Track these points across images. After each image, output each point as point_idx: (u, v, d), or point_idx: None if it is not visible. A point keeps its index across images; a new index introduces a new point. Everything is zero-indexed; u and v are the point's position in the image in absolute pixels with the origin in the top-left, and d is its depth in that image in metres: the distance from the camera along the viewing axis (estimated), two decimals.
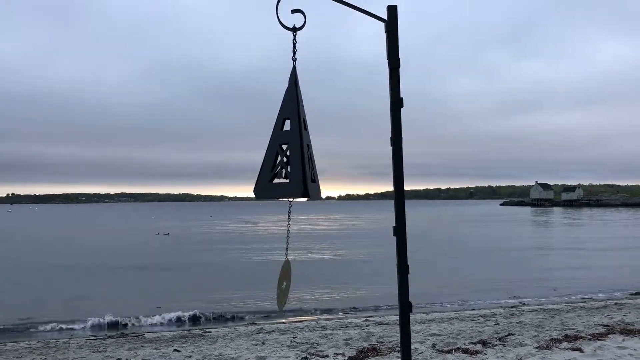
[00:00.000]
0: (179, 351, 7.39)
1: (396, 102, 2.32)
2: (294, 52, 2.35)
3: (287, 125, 2.39)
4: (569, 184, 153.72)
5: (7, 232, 47.37)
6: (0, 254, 26.35)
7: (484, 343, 6.91)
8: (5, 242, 34.92)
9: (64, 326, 11.06)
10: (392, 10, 2.38)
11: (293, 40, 2.35)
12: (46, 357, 7.32)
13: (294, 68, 2.38)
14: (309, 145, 2.39)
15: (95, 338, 9.31)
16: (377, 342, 7.41)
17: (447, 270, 19.34)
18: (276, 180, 2.36)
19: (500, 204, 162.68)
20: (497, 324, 8.64)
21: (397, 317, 8.71)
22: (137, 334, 9.58)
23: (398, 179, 2.35)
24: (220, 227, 52.83)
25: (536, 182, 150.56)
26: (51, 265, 21.63)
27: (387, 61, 2.40)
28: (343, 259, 23.23)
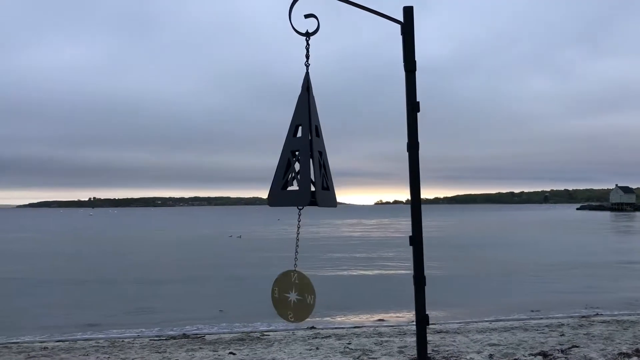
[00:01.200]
0: (234, 354, 7.50)
1: (412, 106, 2.24)
2: (307, 58, 2.31)
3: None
4: None
5: (90, 234, 49.91)
6: (84, 255, 27.77)
7: (544, 355, 6.59)
8: (90, 243, 36.80)
9: (133, 327, 11.40)
10: (408, 11, 2.29)
11: (306, 46, 2.31)
12: (110, 356, 7.61)
13: (307, 74, 2.34)
14: (321, 152, 2.34)
15: (159, 339, 9.58)
16: (432, 350, 7.22)
17: (519, 278, 18.57)
18: (289, 188, 2.33)
19: (577, 209, 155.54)
20: (563, 335, 8.22)
21: (459, 325, 8.45)
22: (198, 336, 9.79)
23: (414, 186, 2.26)
24: (287, 230, 53.42)
25: (616, 185, 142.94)
26: (130, 264, 22.58)
27: (402, 64, 2.31)
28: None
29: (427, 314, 2.25)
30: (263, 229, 55.86)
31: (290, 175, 2.30)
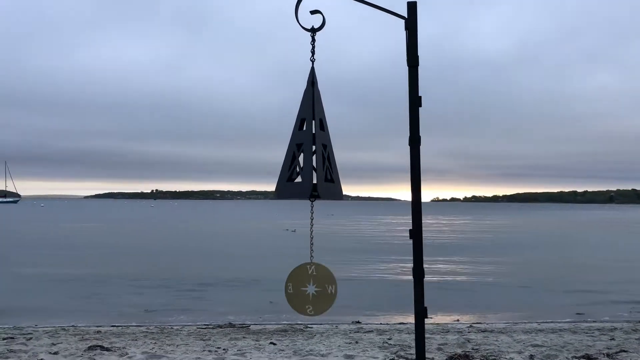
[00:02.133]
0: (274, 344, 7.66)
1: (414, 101, 2.25)
2: (313, 53, 2.36)
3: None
4: None
5: (154, 225, 51.64)
6: (147, 246, 28.80)
7: (588, 358, 6.41)
8: (153, 234, 38.11)
9: (187, 315, 11.71)
10: (412, 6, 2.30)
11: (311, 41, 2.36)
12: (156, 341, 7.92)
13: (312, 69, 2.39)
14: (325, 145, 2.39)
15: (205, 327, 9.86)
16: (472, 349, 7.15)
17: (583, 282, 17.90)
18: (297, 180, 2.39)
19: None
20: (613, 339, 7.93)
21: (505, 325, 8.30)
22: (244, 325, 10.02)
23: (415, 180, 2.27)
24: (340, 226, 53.55)
25: None
26: (189, 255, 23.29)
27: (405, 59, 2.32)
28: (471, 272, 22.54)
29: (425, 307, 2.27)
30: (316, 224, 56.19)
31: (294, 168, 2.38)
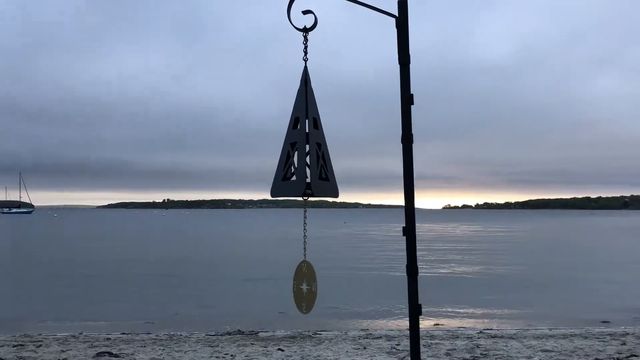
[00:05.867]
0: (282, 350, 7.65)
1: (407, 99, 2.26)
2: (305, 53, 2.39)
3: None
4: None
5: (168, 234, 51.87)
6: (167, 254, 28.92)
7: None
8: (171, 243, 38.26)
9: (197, 324, 11.69)
10: (403, 4, 2.32)
11: (304, 41, 2.39)
12: (165, 348, 7.95)
13: (305, 68, 2.42)
14: (320, 144, 2.41)
15: (214, 334, 9.87)
16: (481, 354, 7.09)
17: (598, 289, 17.66)
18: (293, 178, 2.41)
19: None
20: (624, 344, 7.84)
21: (516, 330, 8.23)
22: (253, 332, 10.01)
23: (408, 178, 2.28)
24: (354, 233, 53.45)
25: None
26: (204, 263, 23.36)
27: (397, 57, 2.34)
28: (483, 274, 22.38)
29: (420, 304, 2.26)
30: (330, 232, 56.16)
31: (289, 167, 2.40)
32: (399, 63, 2.36)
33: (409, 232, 2.25)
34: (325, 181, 2.43)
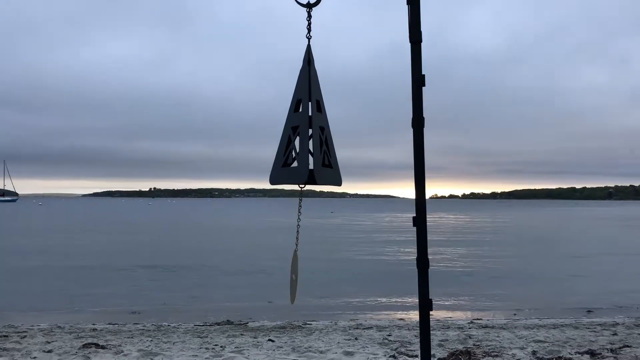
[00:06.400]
0: (273, 341, 7.54)
1: (418, 80, 2.12)
2: (309, 30, 2.23)
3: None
4: None
5: (153, 222, 51.49)
6: (155, 243, 28.65)
7: (592, 354, 6.29)
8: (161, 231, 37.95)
9: (183, 315, 11.55)
10: None
11: (307, 17, 2.23)
12: (152, 339, 7.80)
13: (309, 47, 2.26)
14: (323, 128, 2.26)
15: (203, 324, 9.74)
16: (474, 345, 7.03)
17: (585, 277, 17.76)
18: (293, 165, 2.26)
19: None
20: (615, 334, 7.83)
21: (506, 321, 8.18)
22: (242, 322, 9.89)
23: (419, 165, 2.14)
24: (343, 222, 53.44)
25: None
26: (193, 252, 23.16)
27: (408, 36, 2.19)
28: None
29: (430, 299, 2.14)
30: (318, 221, 56.08)
31: (290, 153, 2.25)
32: (410, 41, 2.20)
33: (420, 222, 2.11)
34: (328, 168, 2.28)
